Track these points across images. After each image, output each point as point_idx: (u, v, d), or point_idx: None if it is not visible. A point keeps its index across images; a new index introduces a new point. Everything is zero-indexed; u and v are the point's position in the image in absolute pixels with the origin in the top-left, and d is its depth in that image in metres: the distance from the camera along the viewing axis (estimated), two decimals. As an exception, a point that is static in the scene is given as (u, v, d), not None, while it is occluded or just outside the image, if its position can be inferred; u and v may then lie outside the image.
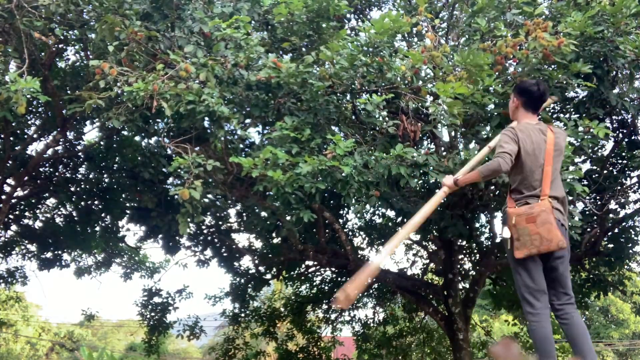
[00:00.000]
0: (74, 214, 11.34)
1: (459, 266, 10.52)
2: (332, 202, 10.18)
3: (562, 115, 7.98)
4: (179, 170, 5.85)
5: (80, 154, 10.42)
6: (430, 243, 11.28)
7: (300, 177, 5.53)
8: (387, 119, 6.18)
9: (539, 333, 3.22)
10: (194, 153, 6.09)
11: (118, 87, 5.88)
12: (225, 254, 11.58)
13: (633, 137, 8.31)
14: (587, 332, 3.31)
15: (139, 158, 9.33)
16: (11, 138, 9.44)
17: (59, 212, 11.58)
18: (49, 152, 9.79)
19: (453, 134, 8.36)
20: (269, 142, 6.26)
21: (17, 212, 11.20)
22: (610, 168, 8.71)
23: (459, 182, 3.50)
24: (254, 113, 6.33)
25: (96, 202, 10.98)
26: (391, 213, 10.72)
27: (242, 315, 13.23)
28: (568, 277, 3.39)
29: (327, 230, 10.03)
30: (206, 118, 6.02)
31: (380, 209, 10.85)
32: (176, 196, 5.81)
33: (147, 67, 6.20)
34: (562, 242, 3.23)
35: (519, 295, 3.34)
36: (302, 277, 13.20)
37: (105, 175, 10.58)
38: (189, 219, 6.08)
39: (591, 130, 5.98)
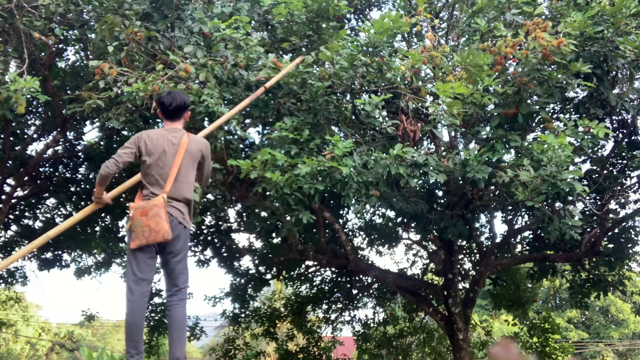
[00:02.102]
0: (74, 214, 11.33)
1: (459, 266, 10.51)
2: (332, 202, 10.18)
3: (562, 115, 7.98)
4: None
5: (80, 154, 10.42)
6: (430, 243, 11.27)
7: (299, 178, 5.52)
8: (386, 119, 6.18)
9: (130, 317, 3.52)
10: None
11: (118, 88, 5.88)
12: (225, 254, 11.58)
13: (633, 137, 8.31)
14: (183, 325, 3.70)
15: (139, 158, 9.31)
16: (11, 138, 9.44)
17: (59, 212, 11.58)
18: (49, 152, 9.80)
19: (453, 134, 8.36)
20: (268, 143, 6.26)
21: (17, 212, 11.20)
22: (610, 168, 8.70)
23: (95, 194, 3.86)
24: (254, 113, 6.32)
25: (96, 202, 10.96)
26: (391, 213, 10.72)
27: (242, 315, 13.22)
28: (181, 271, 3.69)
29: (327, 231, 10.02)
30: (206, 118, 6.01)
31: (380, 209, 10.84)
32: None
33: (147, 68, 6.20)
34: (167, 234, 3.47)
35: (126, 283, 3.59)
36: (302, 277, 13.19)
37: (105, 176, 10.55)
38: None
39: (591, 130, 5.98)
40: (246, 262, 12.29)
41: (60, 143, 9.91)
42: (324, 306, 13.73)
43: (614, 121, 8.23)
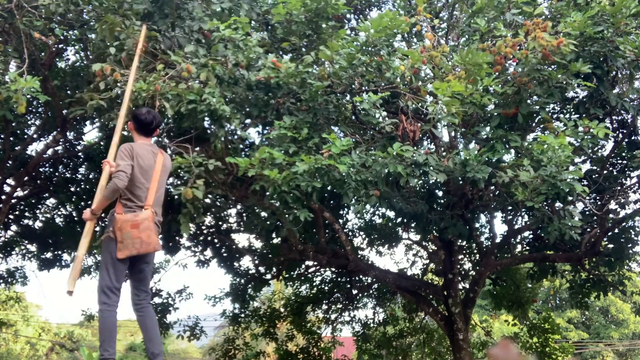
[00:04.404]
0: (74, 214, 11.34)
1: (459, 266, 10.52)
2: (332, 202, 10.18)
3: (562, 115, 7.99)
4: (179, 170, 5.85)
5: (80, 154, 10.41)
6: (430, 243, 11.28)
7: (296, 176, 5.52)
8: (386, 119, 6.18)
9: (111, 321, 3.73)
10: (194, 153, 6.09)
11: (119, 88, 5.88)
12: (225, 254, 11.57)
13: (633, 137, 8.31)
14: (156, 323, 3.98)
15: (139, 158, 9.31)
16: (11, 138, 9.44)
17: (59, 212, 11.58)
18: (49, 152, 9.79)
19: (453, 133, 8.37)
20: (267, 142, 6.26)
21: (17, 212, 11.20)
22: (610, 168, 8.70)
23: (95, 211, 3.84)
24: (254, 113, 6.32)
25: (96, 202, 10.95)
26: (391, 213, 10.72)
27: (242, 315, 13.22)
28: (149, 277, 4.05)
29: (327, 231, 10.02)
30: (207, 118, 6.01)
31: (380, 209, 10.84)
32: (176, 196, 5.81)
33: (148, 67, 6.20)
34: (158, 246, 3.81)
35: (99, 288, 3.81)
36: (302, 278, 13.18)
37: (105, 176, 10.54)
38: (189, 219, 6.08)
39: (591, 130, 5.98)
40: (246, 262, 12.31)
41: (60, 143, 9.91)
42: (324, 306, 13.73)
43: (614, 121, 8.23)
